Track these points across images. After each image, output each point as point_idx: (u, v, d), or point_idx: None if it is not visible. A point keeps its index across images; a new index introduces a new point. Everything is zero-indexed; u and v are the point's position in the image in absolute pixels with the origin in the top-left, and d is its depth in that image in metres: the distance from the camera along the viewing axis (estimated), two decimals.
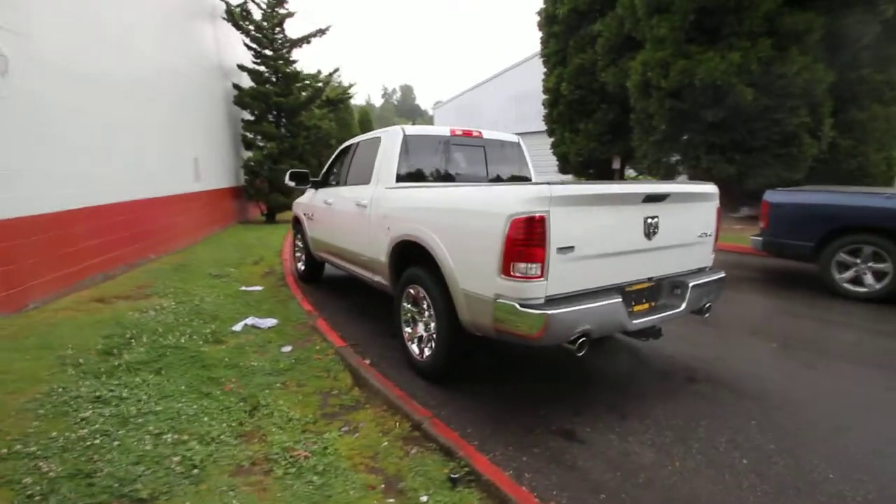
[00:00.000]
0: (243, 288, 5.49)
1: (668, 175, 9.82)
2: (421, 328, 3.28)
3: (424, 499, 1.94)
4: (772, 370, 3.28)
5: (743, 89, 7.96)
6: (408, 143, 3.92)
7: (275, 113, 11.32)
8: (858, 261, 5.01)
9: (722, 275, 3.19)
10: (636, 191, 2.61)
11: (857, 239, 4.99)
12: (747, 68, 7.87)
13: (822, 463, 2.21)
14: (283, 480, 2.02)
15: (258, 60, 11.17)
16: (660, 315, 2.76)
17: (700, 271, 3.15)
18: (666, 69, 8.56)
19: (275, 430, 2.44)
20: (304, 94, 11.39)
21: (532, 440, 2.43)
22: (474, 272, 2.60)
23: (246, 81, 11.44)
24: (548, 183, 2.36)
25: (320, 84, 11.48)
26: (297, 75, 11.31)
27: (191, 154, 8.65)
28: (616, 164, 12.10)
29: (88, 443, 2.17)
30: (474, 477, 2.01)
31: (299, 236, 6.15)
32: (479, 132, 4.39)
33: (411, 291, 3.28)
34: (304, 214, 5.71)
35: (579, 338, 2.38)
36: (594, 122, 11.31)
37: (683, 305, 2.87)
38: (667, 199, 2.74)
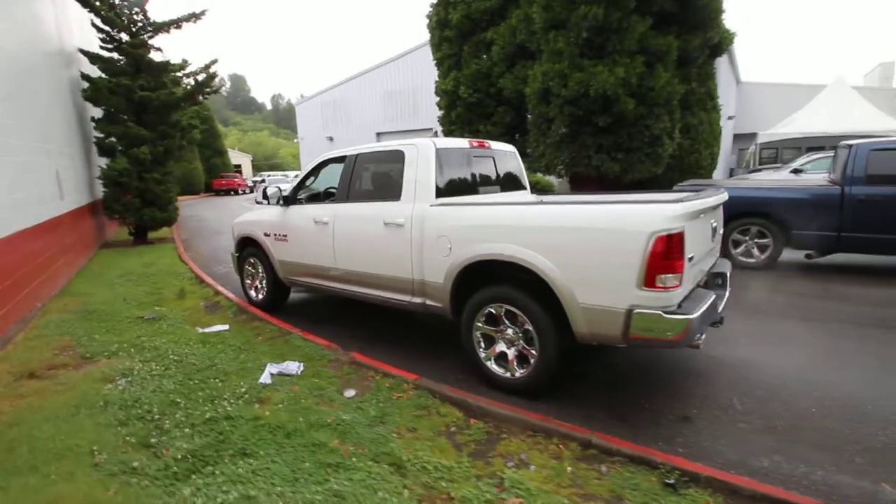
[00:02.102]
0: (203, 330, 4.58)
1: (568, 171, 11.06)
2: (503, 346, 3.26)
3: None
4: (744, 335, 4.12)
5: (626, 100, 9.41)
6: (440, 156, 3.78)
7: (137, 110, 9.32)
8: (747, 238, 6.48)
9: (729, 263, 3.88)
10: (718, 201, 3.05)
11: (746, 221, 6.44)
12: (629, 81, 9.32)
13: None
14: None
15: (111, 46, 9.04)
16: (722, 302, 3.27)
17: (719, 262, 3.78)
18: (565, 79, 9.60)
19: (449, 486, 2.22)
20: (178, 88, 9.61)
21: (666, 430, 2.68)
22: (600, 287, 2.72)
23: (98, 71, 9.18)
24: (678, 201, 2.61)
25: (201, 76, 9.82)
26: (166, 66, 9.47)
27: (50, 165, 6.66)
28: None
29: None
30: (689, 477, 2.17)
31: (253, 260, 5.34)
32: (488, 143, 4.44)
33: (492, 311, 3.24)
34: (268, 235, 4.99)
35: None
36: (492, 125, 12.05)
37: (728, 290, 3.43)
38: (720, 206, 3.25)
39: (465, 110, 12.32)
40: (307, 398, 3.10)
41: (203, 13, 9.35)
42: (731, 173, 23.38)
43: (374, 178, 4.19)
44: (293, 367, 3.60)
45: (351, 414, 2.86)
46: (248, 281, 5.54)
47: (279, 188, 4.79)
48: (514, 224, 3.04)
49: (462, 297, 3.43)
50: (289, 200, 4.81)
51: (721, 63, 15.92)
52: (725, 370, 3.44)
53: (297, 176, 32.08)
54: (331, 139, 26.90)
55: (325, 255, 4.38)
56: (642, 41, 9.41)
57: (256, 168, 52.65)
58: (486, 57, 11.68)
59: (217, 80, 9.91)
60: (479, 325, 3.32)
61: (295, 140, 34.27)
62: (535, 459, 2.43)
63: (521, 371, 3.15)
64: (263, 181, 27.98)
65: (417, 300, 3.73)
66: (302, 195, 4.96)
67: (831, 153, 13.22)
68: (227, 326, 4.70)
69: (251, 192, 35.95)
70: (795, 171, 11.80)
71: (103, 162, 9.56)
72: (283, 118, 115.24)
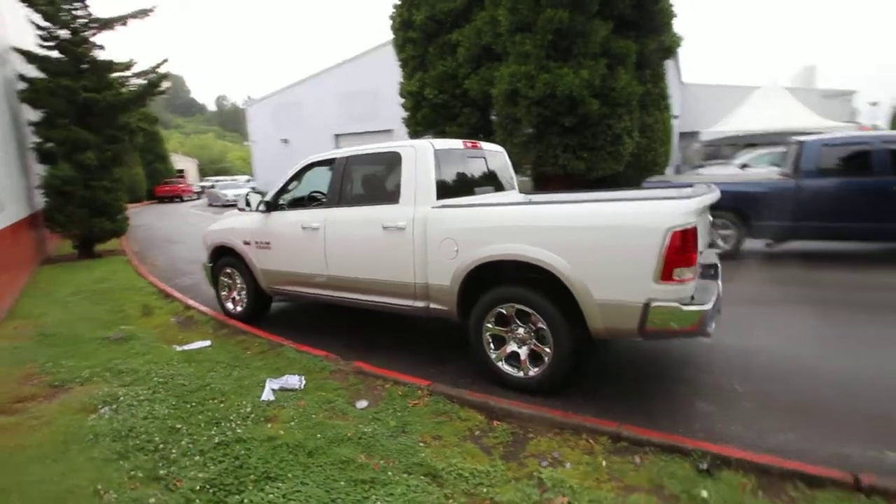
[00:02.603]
0: (182, 348, 4.28)
1: (535, 170, 11.27)
2: (514, 346, 3.25)
3: (705, 494, 2.08)
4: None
5: (591, 100, 9.71)
6: (438, 158, 3.72)
7: (80, 113, 8.56)
8: (711, 230, 6.85)
9: (715, 253, 4.07)
10: (715, 198, 3.18)
11: (713, 214, 6.80)
12: (592, 83, 9.62)
13: None
14: None
15: (50, 44, 8.27)
16: (720, 291, 3.42)
17: (707, 253, 3.95)
18: (532, 81, 9.78)
19: (490, 491, 2.18)
20: (125, 89, 8.92)
21: (683, 417, 2.77)
22: (616, 283, 2.76)
23: (36, 72, 8.37)
24: (689, 197, 2.70)
25: (152, 76, 9.16)
26: (111, 65, 8.76)
27: None
28: None
29: None
30: (721, 461, 2.24)
31: (230, 270, 5.06)
32: (480, 144, 4.42)
33: (502, 311, 3.22)
34: (248, 243, 4.74)
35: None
36: (458, 125, 12.07)
37: (720, 280, 3.59)
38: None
39: (430, 111, 12.28)
40: (318, 413, 2.95)
41: (152, 9, 8.76)
42: (678, 170, 24.75)
43: (369, 180, 4.07)
44: (294, 380, 3.42)
45: (370, 426, 2.75)
46: (225, 293, 5.24)
47: (261, 194, 4.54)
48: (528, 224, 3.03)
49: (468, 299, 3.40)
50: (271, 206, 4.58)
51: (668, 65, 16.83)
52: (716, 356, 3.59)
53: (248, 180, 30.71)
54: (285, 142, 26.05)
55: (316, 262, 4.20)
56: (604, 44, 9.75)
57: (202, 173, 50.07)
58: (451, 58, 11.68)
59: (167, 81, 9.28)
60: (489, 325, 3.30)
61: (246, 143, 32.90)
62: (569, 457, 2.43)
63: (535, 370, 3.15)
64: (213, 186, 26.62)
65: (420, 304, 3.65)
66: (284, 201, 4.75)
67: (771, 149, 14.29)
68: (208, 342, 4.41)
69: (198, 197, 34.29)
70: (743, 167, 12.61)
71: (42, 170, 8.73)
72: (229, 120, 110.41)
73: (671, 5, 10.66)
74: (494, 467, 2.37)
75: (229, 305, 5.21)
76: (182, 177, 34.33)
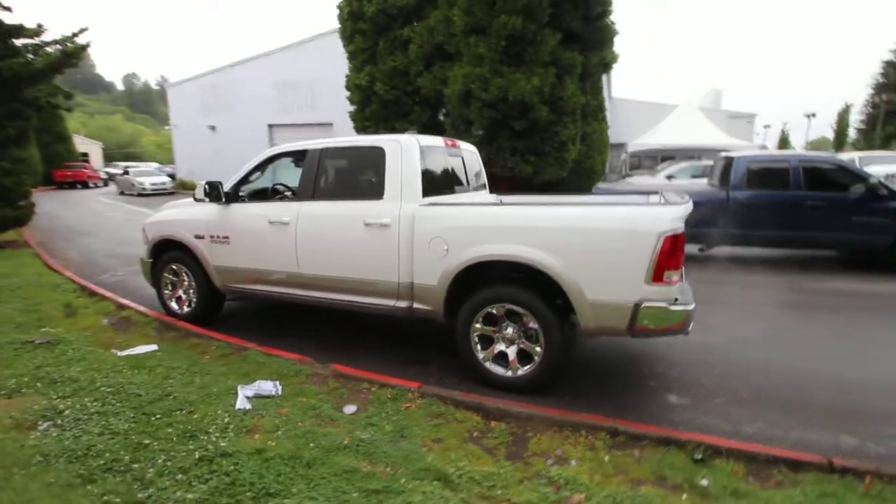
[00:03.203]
0: (124, 353, 3.82)
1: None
2: (502, 346, 3.27)
3: (705, 482, 2.23)
4: None
5: (540, 107, 10.05)
6: (423, 154, 3.64)
7: None
8: None
9: None
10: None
11: None
12: (543, 90, 9.97)
13: None
14: None
15: None
16: None
17: None
18: (486, 83, 9.91)
19: (504, 493, 2.17)
20: (37, 58, 7.75)
21: (663, 411, 2.95)
22: (609, 283, 2.88)
23: None
24: (678, 203, 2.87)
25: (69, 46, 8.02)
26: (20, 30, 7.57)
27: None
28: None
29: None
30: (712, 451, 2.41)
31: (176, 267, 4.60)
32: (458, 143, 4.40)
33: (492, 312, 3.22)
34: (201, 237, 4.33)
35: None
36: (409, 123, 11.91)
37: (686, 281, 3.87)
38: None
39: (380, 107, 12.02)
40: (303, 420, 2.76)
41: None
42: (605, 178, 26.48)
43: (347, 175, 3.88)
44: (268, 386, 3.17)
45: (366, 432, 2.62)
46: (168, 291, 4.75)
47: (219, 183, 4.15)
48: (524, 225, 3.06)
49: (454, 299, 3.36)
50: (230, 197, 4.22)
51: (602, 80, 17.93)
52: (679, 353, 3.87)
53: (160, 167, 28.09)
54: (213, 128, 24.19)
55: (285, 259, 3.94)
56: (554, 54, 10.13)
57: (109, 157, 45.05)
58: (402, 54, 11.51)
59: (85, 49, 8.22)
60: (478, 326, 3.29)
61: (167, 127, 30.14)
62: (572, 454, 2.49)
63: (525, 369, 3.19)
64: (125, 173, 24.06)
65: (403, 304, 3.55)
66: (244, 192, 4.40)
67: (693, 162, 15.72)
68: (155, 347, 3.96)
69: (105, 185, 30.93)
70: (669, 178, 13.75)
71: None
72: (140, 101, 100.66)
73: (614, 23, 11.35)
74: (502, 468, 2.36)
75: (174, 305, 4.72)
76: (87, 161, 30.67)
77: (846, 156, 13.18)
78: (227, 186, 4.21)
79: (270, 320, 5.01)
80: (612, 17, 11.54)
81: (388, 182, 3.54)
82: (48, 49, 8.27)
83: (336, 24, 13.13)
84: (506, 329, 3.25)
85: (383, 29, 11.84)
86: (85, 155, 32.84)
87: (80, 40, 7.90)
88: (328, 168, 3.90)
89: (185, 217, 4.49)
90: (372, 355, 3.87)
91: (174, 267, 4.64)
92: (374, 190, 3.60)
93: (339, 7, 12.38)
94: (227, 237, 4.22)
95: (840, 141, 37.23)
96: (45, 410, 2.74)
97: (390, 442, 2.54)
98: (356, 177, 3.85)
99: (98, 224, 12.44)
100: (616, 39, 11.80)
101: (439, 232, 3.30)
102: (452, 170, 4.19)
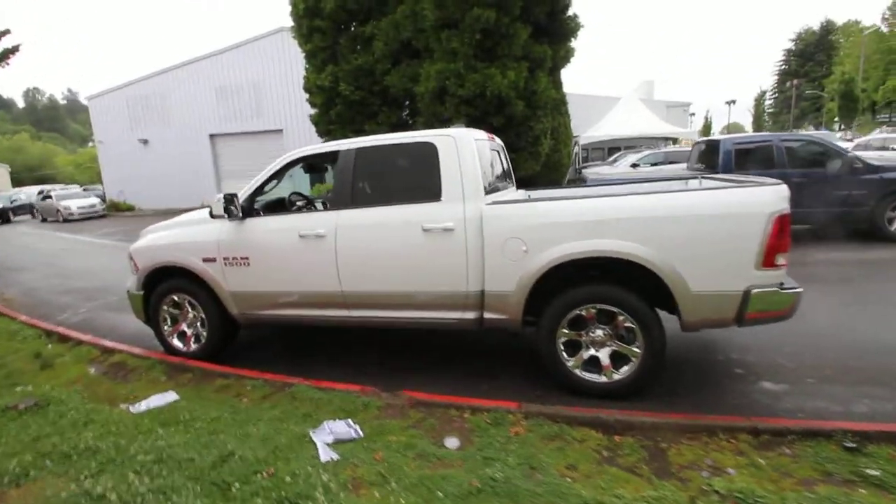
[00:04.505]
0: (139, 408, 3.21)
1: None
2: (592, 351, 3.03)
3: (874, 472, 2.10)
4: None
5: (516, 102, 9.95)
6: (479, 149, 3.33)
7: None
8: None
9: None
10: None
11: None
12: (518, 85, 9.87)
13: None
14: None
15: None
16: None
17: None
18: (461, 79, 9.66)
19: None
20: None
21: (770, 399, 2.84)
22: (715, 272, 2.71)
23: None
24: (779, 182, 2.75)
25: None
26: None
27: None
28: None
29: None
30: (860, 436, 2.30)
31: (178, 298, 3.96)
32: (494, 136, 4.11)
33: (581, 314, 2.97)
34: (211, 260, 3.75)
35: None
36: (377, 123, 11.42)
37: None
38: None
39: (346, 108, 11.42)
40: (407, 463, 2.36)
41: None
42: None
43: (394, 176, 3.46)
44: (342, 428, 2.73)
45: (489, 469, 2.26)
46: (169, 327, 4.09)
47: (235, 195, 3.57)
48: (616, 217, 2.81)
49: (532, 304, 3.08)
50: (247, 211, 3.67)
51: None
52: (737, 334, 3.75)
53: (85, 189, 25.35)
54: (145, 142, 22.22)
55: (321, 278, 3.46)
56: (525, 48, 10.06)
57: (18, 182, 40.26)
58: (366, 52, 11.01)
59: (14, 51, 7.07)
60: (565, 331, 3.02)
61: (90, 144, 27.33)
62: (724, 461, 2.28)
63: (622, 372, 2.96)
64: (47, 197, 21.48)
65: (471, 316, 3.22)
66: (259, 205, 3.87)
67: (651, 151, 16.34)
68: (174, 395, 3.34)
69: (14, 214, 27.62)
70: (633, 166, 14.18)
71: None
72: (45, 118, 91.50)
73: (577, 16, 11.48)
74: (663, 490, 2.10)
75: (177, 343, 4.08)
76: None
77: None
78: (242, 199, 3.65)
79: (284, 347, 4.46)
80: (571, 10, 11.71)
81: (445, 181, 3.18)
82: None
83: (278, 24, 12.40)
84: (594, 332, 3.00)
85: (343, 26, 11.27)
86: None
87: (7, 42, 6.74)
88: (367, 170, 3.46)
89: (188, 238, 3.86)
90: (430, 375, 3.49)
91: (175, 298, 3.99)
92: (428, 191, 3.22)
93: (293, 4, 11.62)
94: (245, 258, 3.66)
95: (759, 124, 40.76)
96: (78, 498, 2.15)
97: (526, 478, 2.21)
98: (404, 178, 3.44)
99: (29, 257, 10.90)
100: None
101: (515, 232, 2.99)
102: (496, 165, 3.89)
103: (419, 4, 9.91)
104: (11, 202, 24.67)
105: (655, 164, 14.34)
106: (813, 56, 51.35)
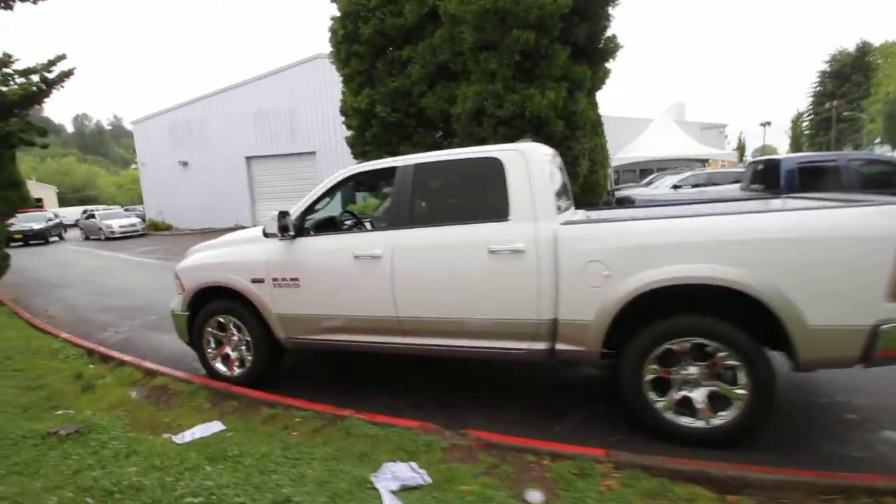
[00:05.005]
0: (182, 439, 2.99)
1: None
2: (685, 391, 2.67)
3: None
4: None
5: (556, 122, 9.76)
6: (547, 165, 3.09)
7: None
8: None
9: None
10: None
11: None
12: (557, 105, 9.70)
13: None
14: None
15: None
16: None
17: None
18: (500, 100, 9.56)
19: None
20: (9, 89, 6.78)
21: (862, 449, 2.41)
22: (836, 304, 2.35)
23: None
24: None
25: (48, 75, 7.09)
26: None
27: None
28: None
29: None
30: None
31: (223, 320, 3.79)
32: (555, 152, 3.87)
33: (672, 348, 2.63)
34: (259, 280, 3.57)
35: None
36: (413, 145, 11.40)
37: None
38: None
39: (381, 130, 11.48)
40: None
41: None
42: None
43: (456, 194, 3.26)
44: (405, 471, 2.43)
45: None
46: (213, 349, 3.91)
47: (287, 212, 3.41)
48: (719, 239, 2.50)
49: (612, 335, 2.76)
50: (298, 231, 3.49)
51: None
52: (829, 374, 3.32)
53: (126, 209, 26.24)
54: (185, 164, 22.99)
55: (376, 301, 3.23)
56: (564, 68, 9.92)
57: (64, 202, 42.32)
58: (402, 75, 11.08)
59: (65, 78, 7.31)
60: (653, 367, 2.68)
61: (133, 167, 28.52)
62: None
63: (723, 416, 2.59)
64: (91, 216, 22.34)
65: (541, 346, 2.91)
66: (310, 224, 3.70)
67: (692, 172, 15.83)
68: (219, 425, 3.13)
69: (65, 230, 28.93)
70: (675, 187, 13.70)
71: None
72: (92, 143, 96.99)
73: (616, 37, 11.33)
74: None
75: (220, 366, 3.89)
76: (41, 206, 28.50)
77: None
78: (293, 217, 3.48)
79: (328, 373, 4.21)
80: (611, 31, 11.56)
81: (513, 199, 2.94)
82: (17, 80, 7.31)
83: (312, 52, 12.66)
84: (687, 368, 2.65)
85: (381, 50, 11.41)
86: (39, 200, 30.58)
87: (65, 66, 6.98)
88: (427, 188, 3.26)
89: (237, 258, 3.71)
90: (490, 411, 3.18)
91: (220, 319, 3.82)
92: (494, 210, 2.98)
93: (332, 30, 11.89)
94: (295, 279, 3.47)
95: (797, 145, 39.46)
96: None
97: None
98: (467, 196, 3.22)
99: (72, 274, 11.14)
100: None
101: (596, 254, 2.70)
102: (556, 182, 3.63)
103: (457, 28, 9.93)
104: (48, 221, 24.13)
105: (696, 186, 13.85)
106: (849, 77, 49.92)
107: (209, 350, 3.93)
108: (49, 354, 4.72)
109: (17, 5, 6.69)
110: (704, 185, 13.45)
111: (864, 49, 51.16)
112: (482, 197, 3.11)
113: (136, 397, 3.73)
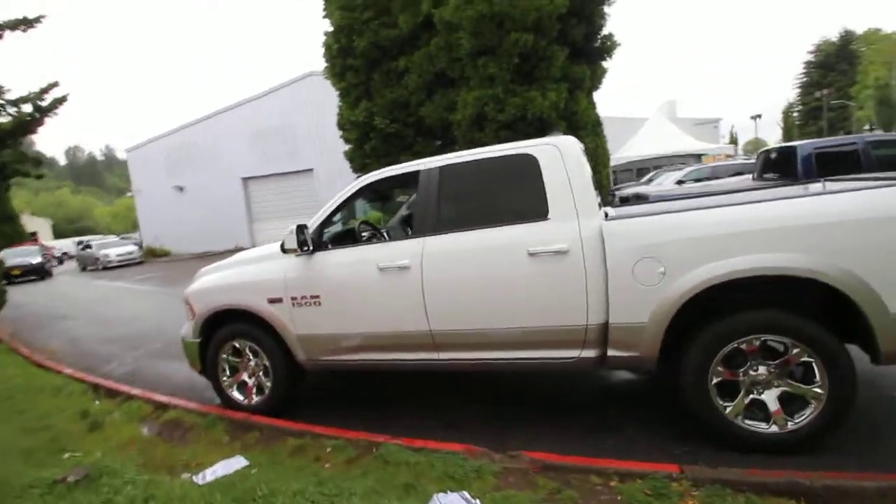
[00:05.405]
0: (205, 479, 2.72)
1: None
2: (755, 394, 2.44)
3: None
4: None
5: (559, 122, 9.62)
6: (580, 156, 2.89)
7: None
8: None
9: None
10: None
11: None
12: (559, 106, 9.57)
13: None
14: None
15: None
16: None
17: None
18: (501, 104, 9.42)
19: None
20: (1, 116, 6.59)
21: None
22: None
23: None
24: None
25: (41, 103, 6.90)
26: None
27: None
28: None
29: None
30: None
31: (239, 345, 3.55)
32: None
33: (739, 347, 2.40)
34: (277, 300, 3.33)
35: None
36: (413, 154, 11.24)
37: None
38: None
39: (381, 142, 11.32)
40: None
41: (39, 19, 6.69)
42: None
43: (487, 195, 3.02)
44: (458, 503, 2.18)
45: None
46: (228, 377, 3.66)
47: (305, 226, 3.18)
48: (785, 225, 2.28)
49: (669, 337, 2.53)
50: (316, 245, 3.27)
51: None
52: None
53: (123, 237, 25.96)
54: (180, 189, 22.79)
55: (407, 315, 3.00)
56: (564, 69, 9.81)
57: (59, 234, 42.00)
58: (400, 86, 10.95)
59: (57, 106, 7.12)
60: (720, 369, 2.45)
61: (129, 194, 28.34)
62: None
63: (799, 419, 2.36)
64: (87, 247, 22.05)
65: (591, 354, 2.67)
66: (327, 237, 3.49)
67: (695, 167, 15.72)
68: (242, 461, 2.86)
69: (60, 262, 28.72)
70: (679, 183, 13.58)
71: None
72: (85, 174, 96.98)
73: (612, 35, 11.25)
74: None
75: (237, 395, 3.64)
76: (35, 240, 28.17)
77: None
78: (310, 230, 3.26)
79: (351, 394, 3.96)
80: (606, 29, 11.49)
81: (552, 197, 2.73)
82: (9, 110, 7.12)
83: (304, 68, 12.55)
84: (756, 369, 2.43)
85: (376, 62, 11.29)
86: (34, 234, 30.27)
87: (57, 93, 6.80)
88: (455, 190, 3.04)
89: (251, 278, 3.48)
90: (534, 427, 2.94)
91: (235, 344, 3.58)
92: (530, 210, 2.77)
93: (326, 45, 11.78)
94: (316, 296, 3.23)
95: (789, 136, 39.66)
96: None
97: None
98: (500, 196, 3.00)
99: (71, 306, 10.84)
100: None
101: (649, 250, 2.48)
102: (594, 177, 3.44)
103: (454, 35, 9.82)
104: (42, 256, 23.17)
105: (699, 180, 13.73)
106: (834, 66, 50.44)
107: (224, 378, 3.67)
108: (52, 392, 4.45)
109: (7, 34, 6.51)
110: (708, 178, 13.35)
111: (848, 37, 51.80)
112: (517, 196, 2.89)
113: (147, 434, 3.47)
